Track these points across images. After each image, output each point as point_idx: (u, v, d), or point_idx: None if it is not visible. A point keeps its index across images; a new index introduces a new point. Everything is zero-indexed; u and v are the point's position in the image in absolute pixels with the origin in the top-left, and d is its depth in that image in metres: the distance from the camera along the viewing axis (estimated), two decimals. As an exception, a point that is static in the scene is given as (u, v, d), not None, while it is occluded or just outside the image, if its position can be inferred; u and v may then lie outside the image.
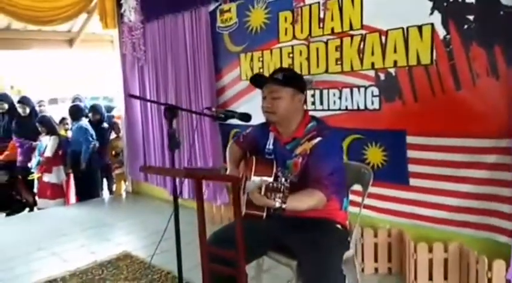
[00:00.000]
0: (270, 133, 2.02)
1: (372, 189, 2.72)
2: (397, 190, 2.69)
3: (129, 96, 2.04)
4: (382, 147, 2.76)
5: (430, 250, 2.43)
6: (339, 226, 1.90)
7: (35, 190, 5.20)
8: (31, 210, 5.28)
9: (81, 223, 4.22)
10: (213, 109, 2.10)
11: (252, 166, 1.91)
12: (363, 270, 2.70)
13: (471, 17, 2.29)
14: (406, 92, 2.59)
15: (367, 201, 2.72)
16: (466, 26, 2.31)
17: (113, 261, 3.10)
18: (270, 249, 1.97)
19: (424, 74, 2.48)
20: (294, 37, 3.16)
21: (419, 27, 2.47)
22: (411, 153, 2.61)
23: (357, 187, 2.16)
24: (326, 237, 1.78)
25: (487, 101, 2.27)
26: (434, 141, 2.49)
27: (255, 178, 1.78)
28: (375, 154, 2.79)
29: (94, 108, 5.42)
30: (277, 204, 1.50)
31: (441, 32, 2.39)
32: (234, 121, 2.10)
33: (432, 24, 2.41)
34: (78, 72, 9.98)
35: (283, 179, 1.47)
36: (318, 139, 1.84)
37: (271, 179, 1.84)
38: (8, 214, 5.14)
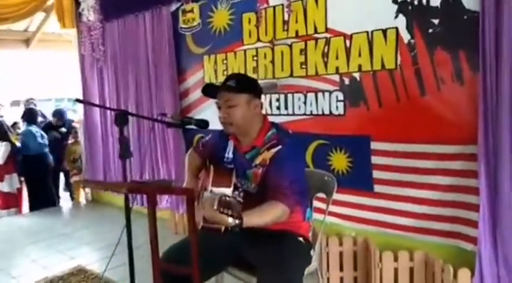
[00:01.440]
0: (230, 141, 1.90)
1: (337, 196, 2.65)
2: (362, 197, 2.64)
3: (75, 100, 1.88)
4: (347, 153, 2.70)
5: (396, 258, 2.37)
6: (301, 239, 1.80)
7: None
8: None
9: (34, 234, 3.95)
10: (168, 115, 1.96)
11: (210, 176, 1.80)
12: (328, 279, 2.62)
13: (436, 21, 2.26)
14: (371, 97, 2.53)
15: (332, 208, 2.67)
16: (430, 30, 2.28)
17: (65, 277, 2.89)
18: (229, 264, 1.86)
19: (388, 79, 2.43)
20: (259, 39, 3.06)
21: (384, 31, 2.42)
22: (376, 159, 2.55)
23: (321, 194, 2.07)
24: (287, 252, 1.68)
25: (452, 107, 2.24)
26: (399, 147, 2.44)
27: (210, 192, 1.67)
28: (339, 161, 2.73)
29: (58, 113, 5.21)
30: (230, 220, 1.40)
31: (406, 36, 2.35)
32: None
33: (397, 28, 2.37)
34: (37, 73, 9.53)
35: (236, 193, 1.37)
36: (278, 147, 1.74)
37: (229, 190, 1.75)
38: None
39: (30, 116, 5.00)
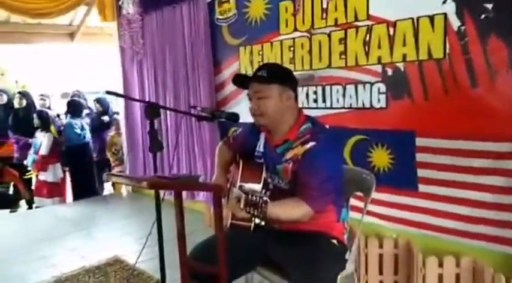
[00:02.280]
0: (261, 134, 1.81)
1: (377, 195, 2.52)
2: (405, 197, 2.47)
3: (106, 92, 1.86)
4: (388, 150, 2.53)
5: (441, 264, 2.19)
6: (334, 241, 1.69)
7: (33, 188, 5.09)
8: (30, 207, 5.18)
9: (75, 223, 4.07)
10: (198, 108, 1.89)
11: (239, 171, 1.72)
12: (366, 282, 2.48)
13: (489, 6, 2.04)
14: (416, 89, 2.35)
15: (372, 208, 2.53)
16: (483, 16, 2.07)
17: (102, 267, 2.94)
18: (258, 263, 1.78)
19: (435, 69, 2.24)
20: (296, 29, 2.94)
21: (431, 18, 2.23)
22: (421, 157, 2.37)
23: (360, 193, 1.94)
24: (319, 256, 1.57)
25: (507, 100, 2.03)
26: (446, 143, 2.25)
27: (238, 187, 1.59)
28: (380, 157, 2.57)
29: (99, 101, 5.37)
30: (257, 221, 1.31)
31: (455, 22, 2.15)
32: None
33: (445, 14, 2.17)
34: (83, 66, 9.90)
35: (263, 191, 1.30)
36: (311, 144, 1.62)
37: (259, 186, 1.67)
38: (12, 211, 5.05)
39: (72, 108, 5.15)
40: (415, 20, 2.29)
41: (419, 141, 2.36)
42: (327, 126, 1.77)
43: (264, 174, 1.71)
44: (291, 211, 1.56)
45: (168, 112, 4.14)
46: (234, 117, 1.83)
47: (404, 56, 2.38)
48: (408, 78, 2.37)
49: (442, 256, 2.20)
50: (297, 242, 1.64)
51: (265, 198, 1.31)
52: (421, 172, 2.38)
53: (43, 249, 3.37)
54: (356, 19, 2.58)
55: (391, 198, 2.51)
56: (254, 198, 1.33)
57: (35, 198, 4.98)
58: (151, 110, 1.88)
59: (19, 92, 5.34)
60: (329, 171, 1.61)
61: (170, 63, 4.08)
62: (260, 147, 1.81)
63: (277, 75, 1.69)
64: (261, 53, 3.22)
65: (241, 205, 1.37)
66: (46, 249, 3.36)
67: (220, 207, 1.47)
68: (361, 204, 1.92)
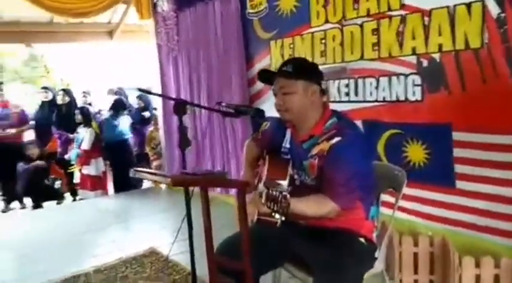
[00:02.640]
0: (287, 130, 1.80)
1: (412, 191, 2.45)
2: (442, 194, 2.37)
3: (138, 90, 1.91)
4: (424, 144, 2.43)
5: (477, 264, 2.09)
6: (362, 239, 1.65)
7: (76, 181, 5.34)
8: (74, 199, 5.44)
9: (116, 215, 4.25)
10: (223, 104, 1.90)
11: (265, 167, 1.72)
12: (400, 281, 2.41)
13: (532, -10, 1.90)
14: (453, 81, 2.24)
15: (407, 204, 2.46)
16: (525, 1, 1.93)
17: (138, 258, 3.04)
18: (285, 260, 1.77)
19: (473, 59, 2.13)
20: (327, 21, 2.88)
21: (468, 5, 2.11)
22: (458, 152, 2.27)
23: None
24: (345, 254, 1.54)
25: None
26: (485, 138, 2.14)
27: (264, 184, 1.59)
28: (416, 152, 2.48)
29: (140, 97, 5.57)
30: (277, 216, 1.31)
31: (494, 10, 2.02)
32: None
33: (483, 1, 2.05)
34: (123, 63, 10.27)
35: (284, 187, 1.29)
36: (337, 139, 1.59)
37: (285, 183, 1.65)
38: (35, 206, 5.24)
39: (115, 106, 5.33)
40: (451, 8, 2.18)
41: (457, 135, 2.26)
42: (353, 122, 1.73)
43: (289, 171, 1.70)
44: (316, 207, 1.54)
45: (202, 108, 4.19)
46: (259, 113, 1.82)
47: (440, 46, 2.27)
48: (444, 69, 2.27)
49: (479, 255, 2.10)
50: (322, 239, 1.62)
51: (284, 193, 1.29)
52: (458, 168, 2.28)
53: (84, 240, 3.54)
54: (389, 9, 2.49)
55: (427, 194, 2.43)
56: (274, 193, 1.32)
57: (79, 191, 5.23)
58: (179, 107, 1.91)
59: (62, 89, 5.64)
60: (355, 167, 1.56)
61: (203, 59, 4.12)
62: (286, 143, 1.79)
63: (302, 70, 1.67)
64: (292, 46, 3.19)
65: (263, 200, 1.37)
66: (88, 240, 3.52)
67: (244, 203, 1.48)
68: (393, 200, 1.87)
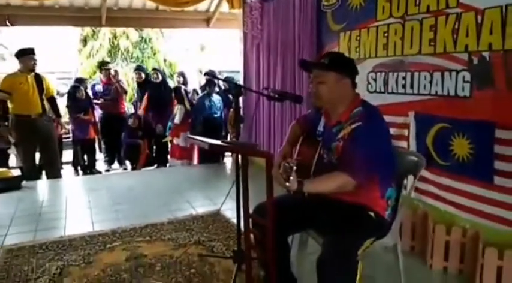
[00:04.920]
0: (322, 115, 2.08)
1: (453, 184, 2.57)
2: (480, 188, 2.43)
3: (204, 74, 2.31)
4: (469, 139, 2.50)
5: (501, 256, 2.17)
6: (371, 213, 1.87)
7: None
8: (164, 166, 6.23)
9: (195, 182, 4.85)
10: (269, 89, 2.23)
11: (297, 146, 2.03)
12: (431, 266, 2.56)
13: None
14: (499, 79, 2.28)
15: (446, 195, 2.59)
16: None
17: (204, 217, 3.55)
18: (309, 226, 2.05)
19: (519, 60, 2.15)
20: (391, 15, 3.01)
21: (519, 5, 2.13)
22: (499, 149, 2.31)
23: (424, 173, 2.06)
24: (351, 221, 1.80)
25: None
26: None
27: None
28: (461, 146, 2.55)
29: (226, 80, 6.09)
30: (287, 184, 1.62)
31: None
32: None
33: (533, 2, 2.07)
34: (215, 48, 11.11)
35: (291, 160, 1.58)
36: (357, 123, 1.83)
37: (313, 161, 1.96)
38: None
39: (207, 86, 5.91)
40: (504, 8, 2.21)
41: (499, 133, 2.30)
42: (378, 111, 1.93)
43: (318, 151, 1.98)
44: (329, 181, 1.78)
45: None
46: (299, 99, 2.12)
47: (490, 45, 2.31)
48: (493, 67, 2.31)
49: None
50: (339, 210, 1.86)
51: (291, 165, 1.58)
52: (498, 165, 2.32)
53: (166, 198, 4.18)
54: (447, 6, 2.56)
55: (466, 187, 2.50)
56: (286, 164, 1.63)
57: (169, 159, 5.99)
58: (236, 90, 2.29)
59: (153, 68, 6.39)
60: (372, 148, 1.77)
61: (281, 48, 4.45)
62: (320, 126, 2.07)
63: (336, 64, 1.92)
64: (358, 38, 3.36)
65: (280, 171, 1.69)
66: (168, 199, 4.15)
67: (270, 172, 1.81)
68: (428, 188, 2.01)
